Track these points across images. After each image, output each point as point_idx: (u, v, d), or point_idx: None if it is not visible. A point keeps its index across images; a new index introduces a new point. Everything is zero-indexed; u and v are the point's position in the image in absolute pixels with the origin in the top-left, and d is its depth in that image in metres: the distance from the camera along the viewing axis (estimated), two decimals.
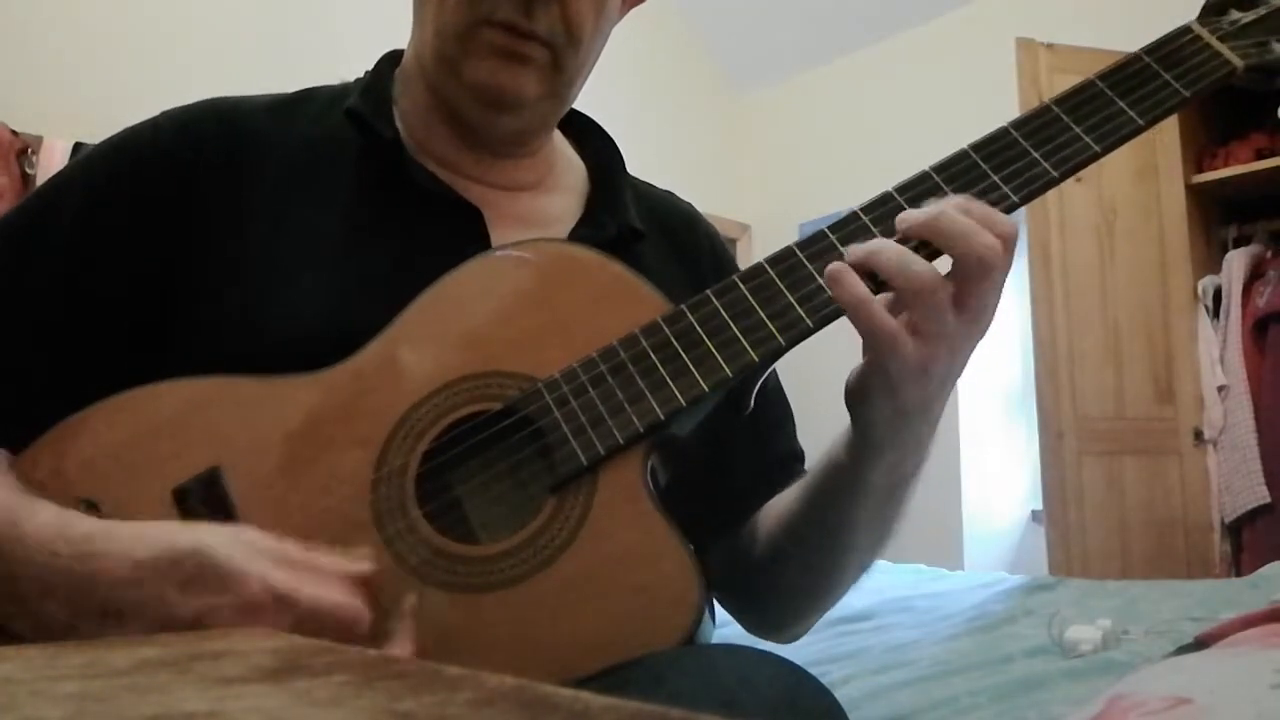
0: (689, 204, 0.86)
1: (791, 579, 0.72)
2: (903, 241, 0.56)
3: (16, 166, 2.35)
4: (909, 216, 0.56)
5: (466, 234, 0.67)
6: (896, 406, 0.58)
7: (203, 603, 0.47)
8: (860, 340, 0.57)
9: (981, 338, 0.58)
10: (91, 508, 0.56)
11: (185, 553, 0.48)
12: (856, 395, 0.60)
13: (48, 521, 0.51)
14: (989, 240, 0.54)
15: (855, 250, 0.56)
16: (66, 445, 0.59)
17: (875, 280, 0.56)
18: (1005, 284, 0.57)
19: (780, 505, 0.72)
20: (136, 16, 2.68)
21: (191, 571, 0.48)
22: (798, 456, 0.80)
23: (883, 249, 0.55)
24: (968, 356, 0.59)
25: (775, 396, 0.80)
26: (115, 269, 0.64)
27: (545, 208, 0.73)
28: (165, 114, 0.70)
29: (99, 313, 0.64)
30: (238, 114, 0.70)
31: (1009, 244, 0.55)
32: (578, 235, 0.71)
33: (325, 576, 0.50)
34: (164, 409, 0.59)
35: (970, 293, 0.55)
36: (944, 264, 0.56)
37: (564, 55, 0.67)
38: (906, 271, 0.54)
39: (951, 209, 0.55)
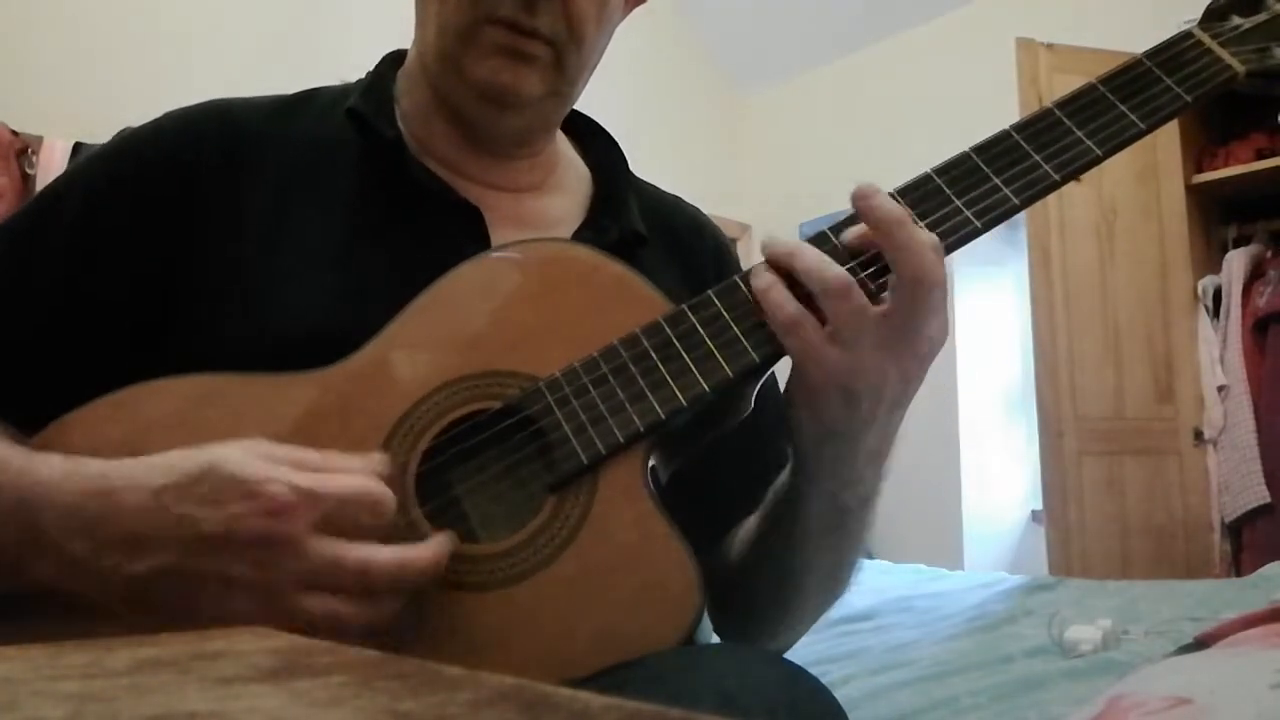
0: (695, 208, 0.86)
1: (756, 598, 0.71)
2: (851, 257, 0.57)
3: (16, 166, 2.35)
4: (849, 234, 0.57)
5: (467, 235, 0.67)
6: (823, 427, 0.58)
7: (228, 513, 0.47)
8: None
9: (920, 365, 0.57)
10: None
11: (203, 469, 0.48)
12: (787, 413, 0.59)
13: (59, 466, 0.52)
14: (930, 257, 0.54)
15: (776, 248, 0.57)
16: (66, 442, 0.58)
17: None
18: (942, 308, 0.56)
19: (745, 525, 0.72)
20: (137, 16, 2.68)
21: (213, 485, 0.48)
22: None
23: (802, 249, 0.56)
24: (904, 387, 0.57)
25: (773, 399, 0.79)
26: (116, 270, 0.64)
27: (547, 210, 0.73)
28: (167, 115, 0.70)
29: (100, 313, 0.64)
30: (239, 115, 0.70)
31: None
32: (579, 239, 0.71)
33: (344, 469, 0.50)
34: (162, 406, 0.59)
35: (901, 310, 0.54)
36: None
37: (566, 53, 0.67)
38: (822, 273, 0.54)
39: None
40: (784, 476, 0.65)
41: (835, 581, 0.70)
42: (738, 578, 0.71)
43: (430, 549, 0.51)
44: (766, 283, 0.57)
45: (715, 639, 0.73)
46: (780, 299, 0.56)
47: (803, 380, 0.57)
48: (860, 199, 0.55)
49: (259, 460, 0.49)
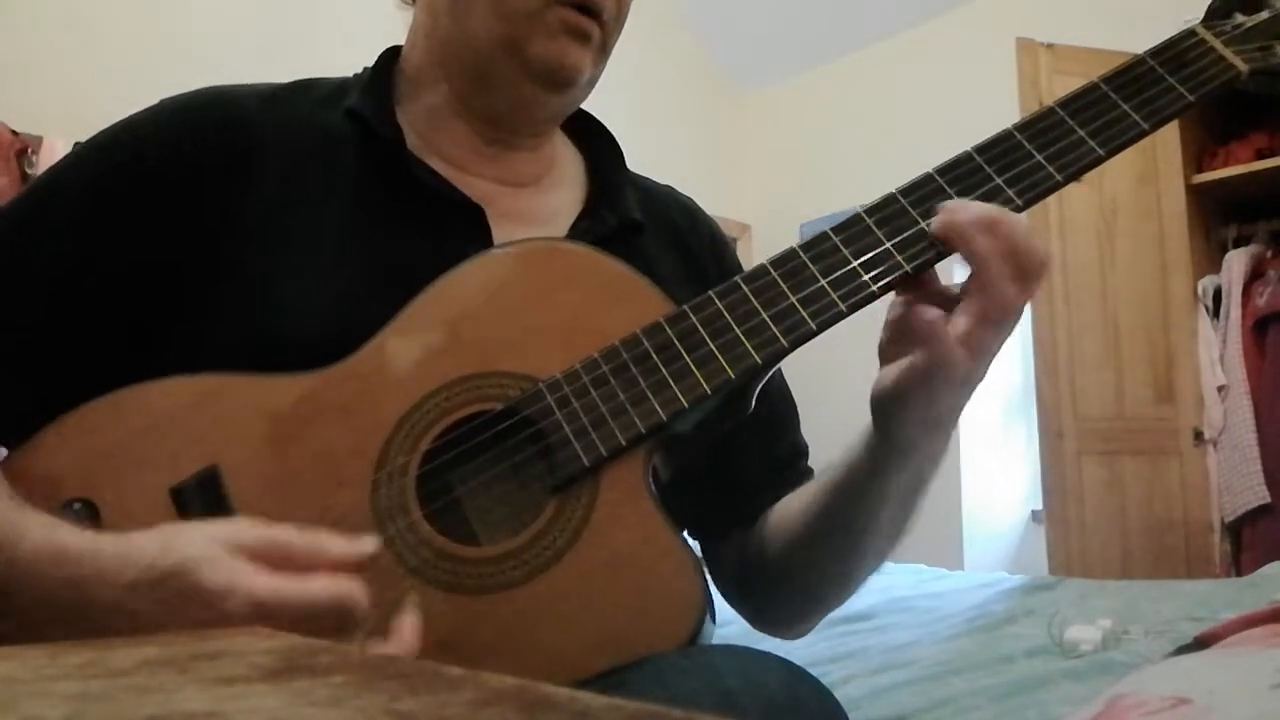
0: (689, 198, 0.86)
1: (803, 579, 0.72)
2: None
3: (16, 166, 2.35)
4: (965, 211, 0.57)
5: (468, 231, 0.67)
6: (932, 415, 0.58)
7: (195, 620, 0.47)
8: (874, 343, 0.57)
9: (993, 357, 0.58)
10: (89, 506, 0.56)
11: (169, 573, 0.48)
12: (891, 401, 0.59)
13: (38, 544, 0.51)
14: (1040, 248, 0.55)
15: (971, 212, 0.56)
16: (64, 442, 0.58)
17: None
18: None
19: (796, 505, 0.72)
20: (136, 16, 2.68)
21: (178, 591, 0.47)
22: (803, 453, 0.80)
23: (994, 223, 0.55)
24: (983, 376, 0.59)
25: (781, 394, 0.80)
26: (114, 263, 0.63)
27: (546, 203, 0.73)
28: (163, 104, 0.69)
29: (97, 308, 0.63)
30: (238, 105, 0.69)
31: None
32: (578, 229, 0.71)
33: (313, 570, 0.49)
34: (162, 407, 0.59)
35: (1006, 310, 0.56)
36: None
37: (611, 34, 0.70)
38: (1002, 293, 0.55)
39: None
40: (853, 457, 0.64)
41: (890, 546, 0.70)
42: (782, 561, 0.71)
43: (406, 643, 0.50)
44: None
45: (716, 639, 0.73)
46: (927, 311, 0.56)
47: (925, 380, 0.56)
48: (948, 216, 0.57)
49: (225, 562, 0.47)
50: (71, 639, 0.47)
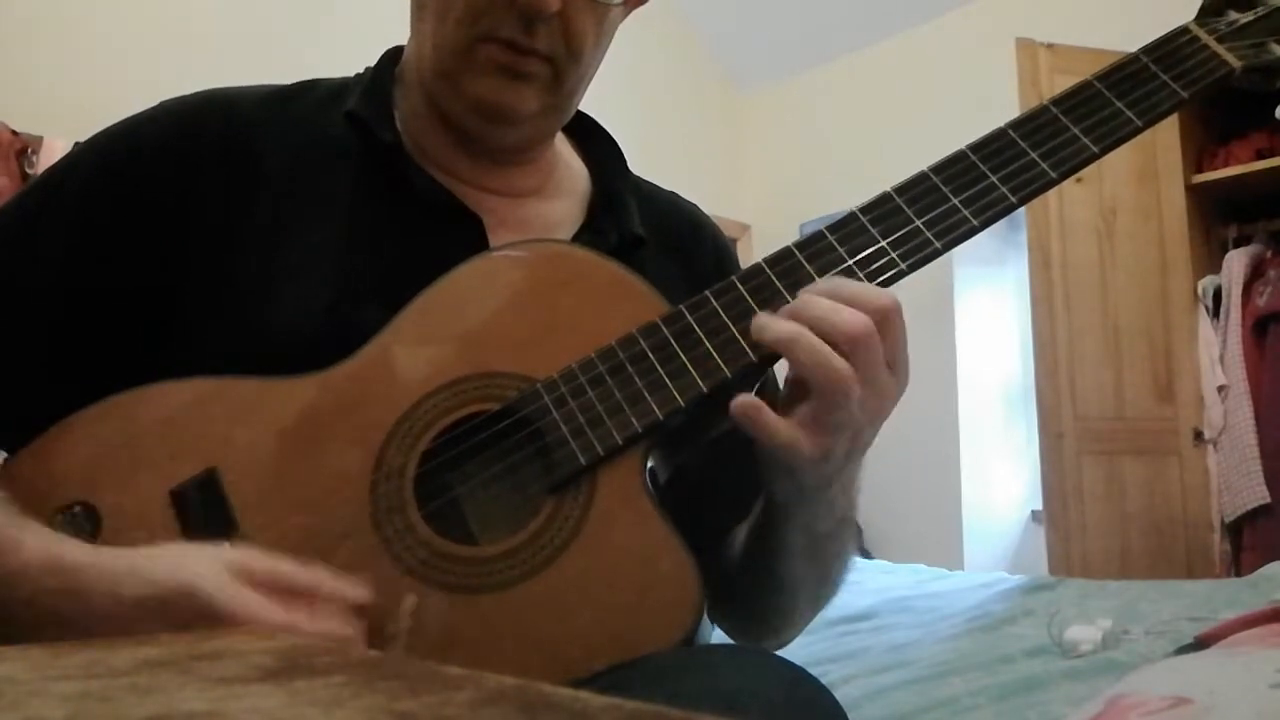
0: (694, 206, 0.85)
1: (752, 600, 0.73)
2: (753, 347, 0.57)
3: (16, 166, 2.35)
4: (771, 331, 0.56)
5: (466, 240, 0.67)
6: (797, 485, 0.59)
7: None
8: None
9: (890, 407, 0.57)
10: (88, 510, 0.56)
11: (174, 593, 0.47)
12: (757, 459, 0.59)
13: (35, 553, 0.50)
14: (838, 364, 0.53)
15: (771, 329, 0.55)
16: (64, 446, 0.58)
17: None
18: (904, 349, 0.56)
19: (738, 532, 0.73)
20: (136, 16, 2.68)
21: (182, 613, 0.47)
22: None
23: (799, 338, 0.54)
24: (875, 430, 0.58)
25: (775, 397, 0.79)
26: (112, 265, 0.63)
27: (546, 214, 0.73)
28: (162, 105, 0.69)
29: (95, 311, 0.63)
30: (237, 107, 0.69)
31: (890, 317, 0.54)
32: (579, 242, 0.70)
33: (321, 604, 0.49)
34: (161, 410, 0.59)
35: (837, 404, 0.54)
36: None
37: (565, 70, 0.66)
38: (824, 365, 0.53)
39: (812, 311, 0.54)
40: (760, 503, 0.66)
41: (823, 587, 0.71)
42: (737, 579, 0.72)
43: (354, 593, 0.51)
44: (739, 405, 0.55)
45: (714, 638, 0.73)
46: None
47: (772, 459, 0.57)
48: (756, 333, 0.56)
49: (232, 589, 0.48)
50: None
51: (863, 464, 0.62)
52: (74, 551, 0.51)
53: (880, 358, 0.54)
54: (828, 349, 0.53)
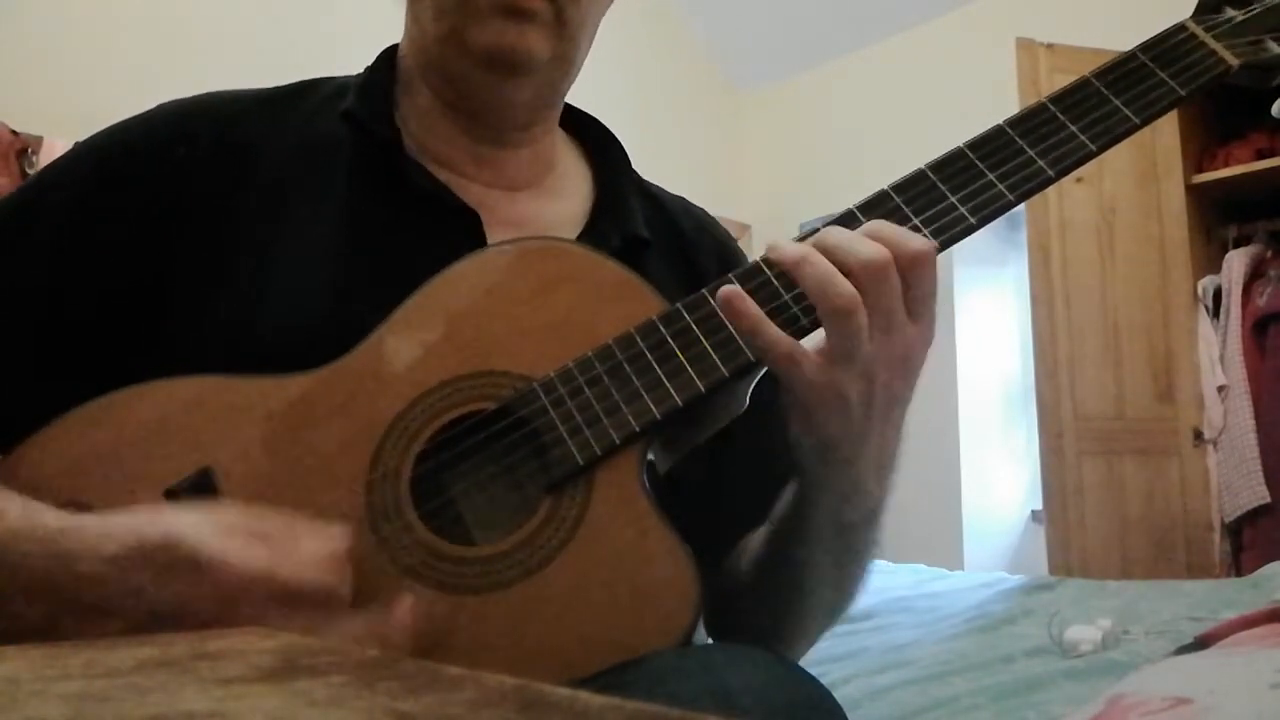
0: (701, 209, 0.84)
1: (758, 615, 0.70)
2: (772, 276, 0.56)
3: (16, 166, 2.35)
4: (780, 251, 0.55)
5: (464, 238, 0.66)
6: (819, 439, 0.57)
7: (179, 592, 0.47)
8: None
9: (917, 363, 0.56)
10: (82, 509, 0.56)
11: (155, 544, 0.47)
12: (787, 428, 0.59)
13: (14, 520, 0.50)
14: (841, 285, 0.52)
15: (781, 249, 0.55)
16: (57, 445, 0.58)
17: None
18: (930, 301, 0.55)
19: (751, 541, 0.71)
20: (136, 16, 2.68)
21: (164, 563, 0.47)
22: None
23: (808, 256, 0.54)
24: (903, 388, 0.57)
25: (778, 413, 0.79)
26: (106, 267, 0.63)
27: (545, 212, 0.72)
28: (158, 108, 0.69)
29: (89, 311, 0.63)
30: (233, 109, 0.69)
31: (917, 261, 0.54)
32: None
33: (303, 553, 0.49)
34: (155, 409, 0.59)
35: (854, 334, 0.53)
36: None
37: (566, 7, 0.65)
38: (827, 283, 0.53)
39: (834, 243, 0.54)
40: (789, 494, 0.65)
41: (839, 595, 0.69)
42: (741, 593, 0.70)
43: (400, 620, 0.51)
44: (731, 293, 0.55)
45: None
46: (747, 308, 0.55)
47: (790, 396, 0.56)
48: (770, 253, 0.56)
49: (215, 534, 0.48)
50: (55, 620, 0.47)
51: (897, 453, 0.60)
52: (53, 516, 0.51)
53: (896, 293, 0.53)
54: (834, 270, 0.53)
